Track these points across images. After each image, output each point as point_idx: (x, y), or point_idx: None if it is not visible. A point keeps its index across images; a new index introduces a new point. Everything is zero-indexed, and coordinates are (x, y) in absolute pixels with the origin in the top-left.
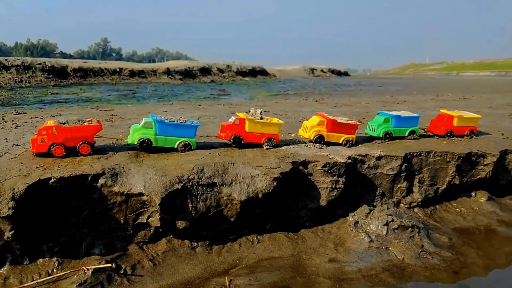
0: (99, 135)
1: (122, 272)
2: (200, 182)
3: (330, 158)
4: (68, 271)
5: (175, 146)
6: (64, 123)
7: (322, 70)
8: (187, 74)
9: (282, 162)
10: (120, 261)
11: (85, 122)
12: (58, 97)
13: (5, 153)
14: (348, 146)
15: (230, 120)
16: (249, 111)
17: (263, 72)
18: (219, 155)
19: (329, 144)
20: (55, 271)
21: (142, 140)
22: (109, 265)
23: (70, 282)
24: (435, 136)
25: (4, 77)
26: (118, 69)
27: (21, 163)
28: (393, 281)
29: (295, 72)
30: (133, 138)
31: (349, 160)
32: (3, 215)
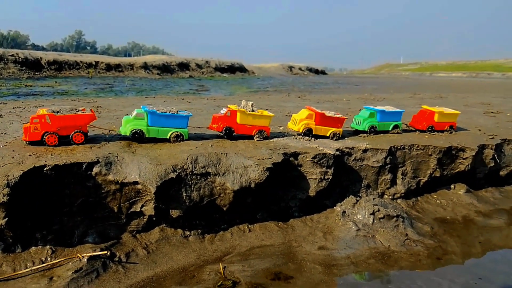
0: (92, 125)
1: (116, 259)
2: (194, 172)
3: (319, 150)
4: (62, 259)
5: (168, 137)
6: (58, 112)
7: (300, 69)
8: (165, 69)
9: (274, 153)
10: (114, 249)
11: (78, 111)
12: (32, 90)
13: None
14: (335, 139)
15: (222, 111)
16: (241, 103)
17: (242, 69)
18: (212, 145)
19: (317, 137)
20: (48, 259)
21: (134, 131)
22: (105, 252)
23: (66, 270)
24: (417, 131)
25: None
26: (94, 63)
27: (13, 150)
28: (381, 266)
29: (273, 70)
30: (125, 129)
31: (337, 152)
32: None
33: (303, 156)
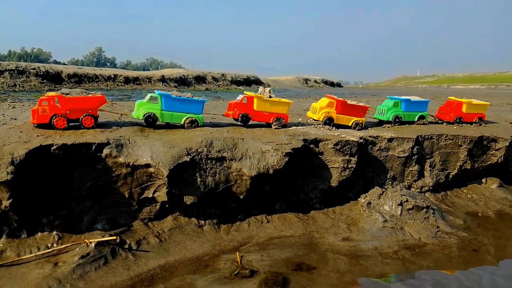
0: (103, 109)
1: (126, 247)
2: (209, 156)
3: (341, 137)
4: (69, 244)
5: (182, 123)
6: (67, 94)
7: (315, 81)
8: (182, 82)
9: (293, 139)
10: (125, 237)
11: (89, 93)
12: None
13: (3, 124)
14: (358, 129)
15: (238, 98)
16: (258, 90)
17: (258, 82)
18: (228, 131)
19: (338, 126)
20: (55, 245)
21: (147, 115)
22: (114, 237)
23: (72, 255)
24: (444, 123)
25: None
26: (113, 76)
27: (21, 131)
28: (412, 257)
29: (288, 83)
30: (138, 113)
31: (361, 140)
32: (1, 180)
33: (325, 143)
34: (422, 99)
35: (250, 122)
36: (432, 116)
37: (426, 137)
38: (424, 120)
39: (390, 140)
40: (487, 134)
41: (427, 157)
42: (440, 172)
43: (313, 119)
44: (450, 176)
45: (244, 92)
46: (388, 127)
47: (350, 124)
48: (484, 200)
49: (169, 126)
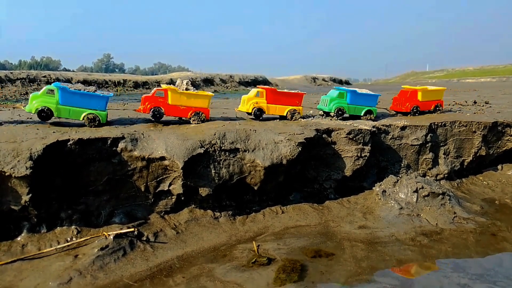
0: None
1: (144, 239)
2: (223, 147)
3: (354, 126)
4: (88, 237)
5: (80, 119)
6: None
7: (323, 79)
8: (191, 84)
9: (305, 129)
10: (142, 229)
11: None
12: None
13: (20, 123)
14: (294, 119)
15: (152, 91)
16: (175, 82)
17: (265, 82)
18: (240, 124)
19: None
20: (74, 239)
21: (41, 109)
22: (132, 229)
23: (91, 248)
24: (398, 114)
25: (9, 89)
26: (122, 81)
27: (37, 129)
28: (430, 243)
29: (297, 82)
30: (30, 106)
31: (374, 129)
32: (21, 175)
33: (337, 133)
34: (372, 93)
35: (164, 118)
36: (386, 109)
37: (440, 124)
38: (371, 115)
39: (403, 128)
40: (502, 119)
41: (441, 144)
42: (455, 160)
43: (244, 112)
44: (465, 163)
45: (161, 84)
46: (401, 116)
47: (284, 114)
48: (501, 186)
49: (182, 121)
